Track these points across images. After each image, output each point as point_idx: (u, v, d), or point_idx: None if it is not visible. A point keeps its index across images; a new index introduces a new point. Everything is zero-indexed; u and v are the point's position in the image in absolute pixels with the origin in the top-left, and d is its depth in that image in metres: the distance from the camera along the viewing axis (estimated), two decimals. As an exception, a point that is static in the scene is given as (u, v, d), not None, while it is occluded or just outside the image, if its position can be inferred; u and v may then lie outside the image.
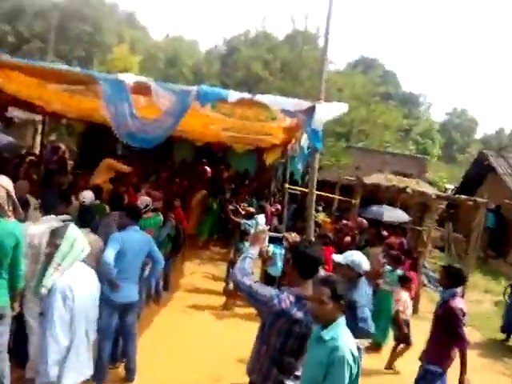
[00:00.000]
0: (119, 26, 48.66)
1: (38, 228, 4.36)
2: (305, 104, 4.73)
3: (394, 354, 6.63)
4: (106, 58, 33.61)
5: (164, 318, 7.12)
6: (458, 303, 4.54)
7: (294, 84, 13.80)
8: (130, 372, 5.21)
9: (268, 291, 3.16)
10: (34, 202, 4.94)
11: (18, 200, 4.16)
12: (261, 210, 9.24)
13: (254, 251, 3.41)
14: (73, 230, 3.32)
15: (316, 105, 4.67)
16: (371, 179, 14.25)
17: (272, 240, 3.66)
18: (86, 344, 3.26)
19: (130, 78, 4.64)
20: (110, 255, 4.71)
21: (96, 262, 4.82)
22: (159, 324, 6.87)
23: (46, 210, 4.82)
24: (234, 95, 4.71)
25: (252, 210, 8.99)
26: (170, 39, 55.11)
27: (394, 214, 12.37)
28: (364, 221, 10.06)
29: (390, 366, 6.61)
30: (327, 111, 4.70)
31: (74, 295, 3.07)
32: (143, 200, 7.07)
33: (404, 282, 6.89)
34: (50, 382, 2.99)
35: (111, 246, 4.76)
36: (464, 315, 4.50)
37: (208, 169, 14.55)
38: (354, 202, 11.84)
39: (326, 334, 2.88)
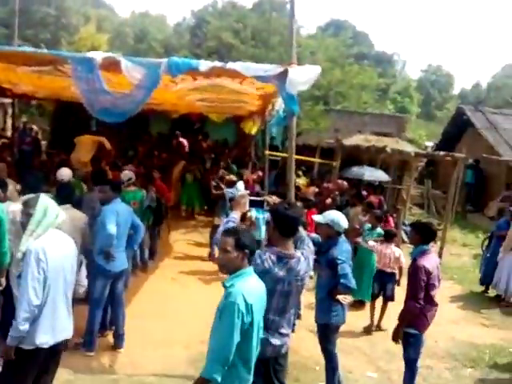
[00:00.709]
0: (84, 6, 47.33)
1: (20, 205, 4.41)
2: (277, 69, 4.72)
3: (382, 314, 6.71)
4: (73, 39, 32.77)
5: (151, 286, 7.26)
6: (424, 261, 4.41)
7: (267, 50, 13.71)
8: (118, 339, 5.37)
9: None
10: (11, 183, 4.97)
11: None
12: (239, 177, 9.40)
13: (235, 215, 3.52)
14: (44, 198, 3.43)
15: (288, 69, 4.67)
16: (351, 141, 14.30)
17: (253, 204, 3.74)
18: (65, 305, 3.38)
19: (98, 55, 4.59)
20: (113, 228, 4.95)
21: (82, 236, 4.94)
22: (147, 291, 7.02)
23: (26, 190, 4.89)
24: (205, 64, 4.68)
25: (233, 178, 9.11)
26: (136, 15, 53.89)
27: (374, 174, 12.50)
28: (344, 182, 10.21)
29: (378, 326, 6.68)
30: (301, 75, 4.70)
31: (47, 257, 3.17)
32: (126, 174, 7.23)
33: (390, 237, 6.98)
34: (19, 336, 3.12)
35: (111, 219, 4.98)
36: (430, 274, 4.38)
37: (184, 141, 14.45)
38: (334, 164, 11.93)
39: (228, 281, 2.93)
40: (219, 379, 2.73)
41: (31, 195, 3.56)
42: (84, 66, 4.49)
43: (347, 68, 16.81)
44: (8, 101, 13.50)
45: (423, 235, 4.60)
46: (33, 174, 6.01)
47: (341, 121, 17.21)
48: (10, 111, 15.79)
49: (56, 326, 3.31)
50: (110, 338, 5.46)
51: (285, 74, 4.63)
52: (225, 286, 2.92)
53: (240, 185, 8.91)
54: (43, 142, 15.85)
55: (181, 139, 14.35)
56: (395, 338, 4.53)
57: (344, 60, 17.05)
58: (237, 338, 2.75)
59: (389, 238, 6.93)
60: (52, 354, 3.36)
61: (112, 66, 4.64)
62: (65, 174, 6.57)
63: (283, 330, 3.36)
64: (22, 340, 3.16)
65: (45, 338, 3.23)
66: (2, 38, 32.42)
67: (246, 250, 2.94)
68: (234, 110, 10.76)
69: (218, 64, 4.77)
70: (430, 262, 4.48)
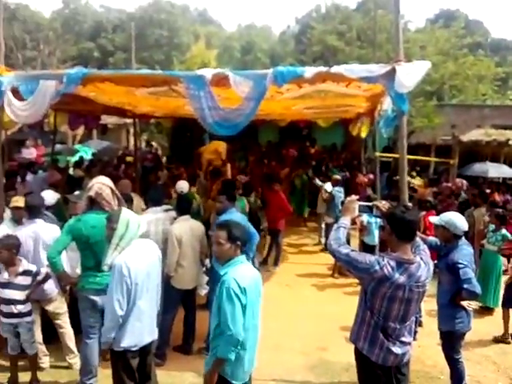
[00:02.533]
0: (193, 24, 50.08)
1: (145, 217, 4.91)
2: (384, 68, 4.61)
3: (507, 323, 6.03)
4: (184, 57, 34.73)
5: (266, 292, 7.24)
6: None
7: (373, 50, 13.31)
8: None
9: (368, 258, 3.16)
10: (136, 197, 5.41)
11: (122, 196, 4.60)
12: (327, 179, 10.06)
13: (345, 221, 3.47)
14: (126, 213, 3.67)
15: (396, 67, 4.54)
16: (469, 136, 13.49)
17: (362, 209, 3.68)
18: (150, 309, 3.64)
19: (208, 72, 4.84)
20: None
21: (200, 244, 5.27)
22: (262, 297, 7.08)
23: (150, 203, 5.36)
24: (310, 71, 4.71)
25: (338, 177, 9.49)
26: (243, 28, 55.70)
27: (499, 170, 11.62)
28: (464, 181, 9.61)
29: (505, 336, 6.00)
30: (409, 72, 4.54)
31: (130, 271, 3.42)
32: None
33: None
34: (107, 342, 3.51)
35: None
36: None
37: (292, 150, 14.60)
38: (452, 162, 11.27)
39: (222, 270, 3.23)
40: (233, 358, 3.07)
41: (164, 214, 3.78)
42: (196, 84, 4.76)
43: (461, 60, 15.74)
44: (130, 121, 14.66)
45: None
46: (155, 188, 6.47)
47: (457, 116, 16.29)
48: (131, 130, 17.17)
49: (142, 329, 3.60)
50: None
51: (392, 72, 4.52)
52: (219, 275, 3.22)
53: (327, 185, 9.54)
54: (163, 158, 17.01)
55: (290, 149, 14.51)
56: None
57: (457, 51, 16.01)
58: (240, 318, 3.03)
59: None
60: (143, 355, 3.70)
61: (221, 81, 4.86)
62: (183, 186, 7.06)
63: (404, 339, 3.23)
64: (113, 343, 3.52)
65: (132, 342, 3.55)
66: (122, 62, 35.41)
67: (238, 242, 3.23)
68: (341, 114, 10.64)
69: (322, 69, 4.77)
70: None
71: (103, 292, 3.89)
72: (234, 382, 3.17)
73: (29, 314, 4.58)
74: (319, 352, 5.58)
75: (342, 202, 8.08)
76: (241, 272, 3.16)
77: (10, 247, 4.42)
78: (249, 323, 3.14)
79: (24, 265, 4.54)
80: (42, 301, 4.84)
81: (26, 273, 4.51)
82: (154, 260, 3.71)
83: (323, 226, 9.91)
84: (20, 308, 4.47)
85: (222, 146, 11.57)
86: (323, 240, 9.79)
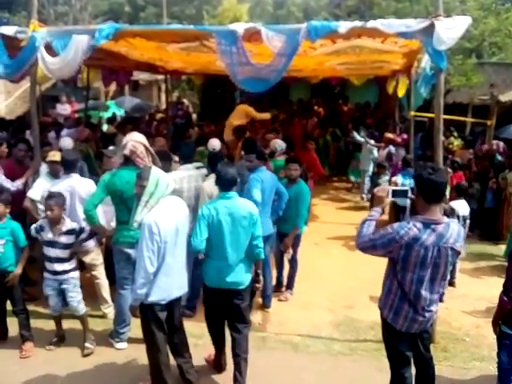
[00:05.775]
0: (225, -23, 48.59)
1: (178, 174, 5.01)
2: (422, 23, 4.45)
3: None
4: (216, 11, 34.01)
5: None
6: None
7: (411, 4, 12.76)
8: (266, 299, 5.64)
9: (390, 227, 3.12)
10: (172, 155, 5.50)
11: (159, 153, 4.65)
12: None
13: (374, 212, 3.39)
14: (155, 171, 3.70)
15: (435, 22, 4.37)
16: (508, 96, 12.95)
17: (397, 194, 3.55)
18: (178, 264, 3.74)
19: (240, 27, 4.75)
20: (258, 194, 5.09)
21: None
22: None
23: (181, 160, 5.45)
24: (344, 25, 4.60)
25: (390, 135, 9.56)
26: (276, -19, 53.87)
27: (538, 133, 11.19)
28: (500, 143, 9.30)
29: None
30: (448, 28, 4.37)
31: (159, 229, 3.47)
32: (279, 144, 7.32)
33: None
34: (138, 299, 3.58)
35: (256, 187, 5.13)
36: None
37: (320, 109, 14.32)
38: (489, 123, 10.89)
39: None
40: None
41: (195, 171, 3.84)
42: (227, 39, 4.70)
43: (503, 15, 14.95)
44: (161, 77, 14.61)
45: None
46: (186, 145, 6.52)
47: (497, 75, 15.61)
48: (163, 87, 17.16)
49: (171, 284, 3.69)
50: (259, 298, 5.75)
51: (431, 28, 4.38)
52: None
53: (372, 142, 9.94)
54: (194, 115, 17.01)
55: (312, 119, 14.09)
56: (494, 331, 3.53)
57: (499, 6, 15.19)
58: (200, 233, 3.79)
59: None
60: (171, 308, 3.79)
61: (253, 36, 4.78)
62: (216, 144, 7.00)
63: (432, 308, 3.22)
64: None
65: (160, 296, 3.64)
66: (153, 17, 35.00)
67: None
68: (376, 71, 10.35)
69: (357, 24, 4.67)
70: None
71: (137, 245, 3.95)
72: (206, 282, 3.97)
73: (74, 269, 4.66)
74: (345, 310, 5.66)
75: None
76: (214, 204, 3.90)
77: (61, 204, 4.49)
78: (220, 240, 3.83)
79: (67, 224, 4.58)
80: (80, 252, 5.02)
81: (69, 232, 4.56)
82: (183, 217, 3.76)
83: (366, 181, 10.25)
84: (65, 265, 4.57)
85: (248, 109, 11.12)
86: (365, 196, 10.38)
